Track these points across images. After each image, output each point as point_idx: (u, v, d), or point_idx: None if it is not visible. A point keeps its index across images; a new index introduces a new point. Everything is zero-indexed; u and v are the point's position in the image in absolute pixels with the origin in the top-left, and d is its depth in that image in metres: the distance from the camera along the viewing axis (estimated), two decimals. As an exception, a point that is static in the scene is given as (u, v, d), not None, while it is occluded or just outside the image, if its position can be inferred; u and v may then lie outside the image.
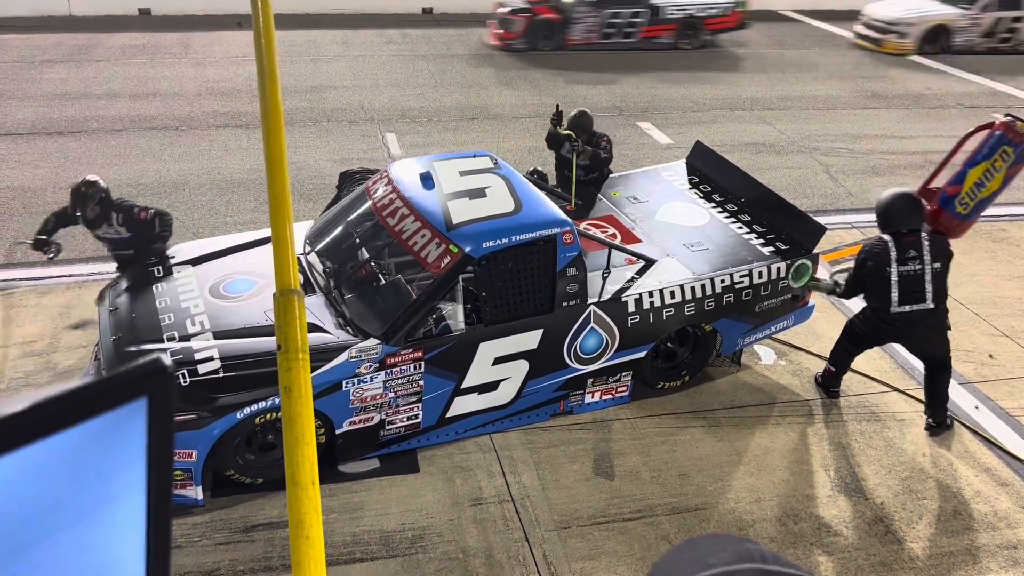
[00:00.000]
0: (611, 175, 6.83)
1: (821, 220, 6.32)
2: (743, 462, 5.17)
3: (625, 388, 5.56)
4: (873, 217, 8.47)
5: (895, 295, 5.16)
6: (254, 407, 4.47)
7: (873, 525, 4.74)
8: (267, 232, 5.61)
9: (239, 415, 4.46)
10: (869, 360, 6.18)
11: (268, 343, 4.58)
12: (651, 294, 5.35)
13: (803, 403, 5.73)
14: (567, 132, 6.60)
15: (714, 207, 6.35)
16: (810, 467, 5.16)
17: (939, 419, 5.47)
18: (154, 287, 5.15)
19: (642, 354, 5.46)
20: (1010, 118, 5.41)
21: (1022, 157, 5.32)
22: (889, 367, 6.12)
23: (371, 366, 4.70)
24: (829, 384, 5.77)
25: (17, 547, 0.56)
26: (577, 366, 5.30)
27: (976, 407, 5.74)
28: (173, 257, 5.50)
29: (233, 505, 4.66)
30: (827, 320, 6.62)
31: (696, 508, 4.80)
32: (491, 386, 5.11)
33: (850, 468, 5.16)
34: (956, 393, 5.87)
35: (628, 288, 5.36)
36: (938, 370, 5.37)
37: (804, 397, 5.79)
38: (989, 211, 8.73)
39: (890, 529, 4.72)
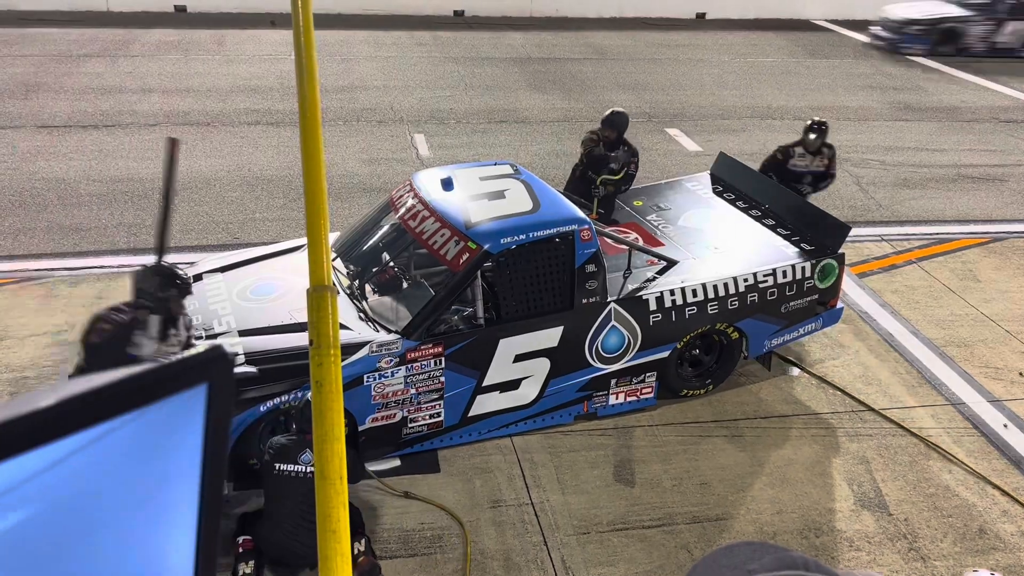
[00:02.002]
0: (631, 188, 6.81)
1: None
2: (765, 473, 5.14)
3: (650, 390, 5.54)
4: (903, 230, 8.45)
5: None
6: (276, 400, 4.53)
7: (896, 541, 4.69)
8: (291, 243, 5.78)
9: (262, 408, 4.52)
10: (895, 375, 6.11)
11: (291, 339, 4.68)
12: (672, 292, 5.36)
13: (827, 415, 5.67)
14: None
15: (738, 212, 6.34)
16: (833, 480, 5.11)
17: None
18: None
19: (665, 354, 5.44)
20: None
21: None
22: (916, 382, 6.04)
23: (392, 361, 4.75)
24: None
25: (74, 525, 0.58)
26: (599, 365, 5.29)
27: (1005, 425, 5.66)
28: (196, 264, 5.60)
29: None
30: (853, 333, 6.57)
31: (717, 518, 4.77)
32: (513, 384, 5.12)
33: (874, 483, 5.10)
34: (984, 410, 5.79)
35: (649, 286, 5.37)
36: None
37: (828, 410, 5.73)
38: (1022, 228, 8.66)
39: (914, 546, 4.66)
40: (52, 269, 6.97)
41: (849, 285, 6.86)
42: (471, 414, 5.10)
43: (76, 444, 0.55)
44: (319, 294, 2.03)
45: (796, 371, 6.09)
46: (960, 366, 6.23)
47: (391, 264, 5.34)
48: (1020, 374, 6.23)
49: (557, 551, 4.50)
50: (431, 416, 5.00)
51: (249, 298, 5.17)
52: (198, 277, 5.37)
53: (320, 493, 1.95)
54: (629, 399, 5.51)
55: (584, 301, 5.11)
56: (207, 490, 0.64)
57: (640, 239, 5.90)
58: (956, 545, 4.68)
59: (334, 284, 5.05)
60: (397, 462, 5.04)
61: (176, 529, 0.65)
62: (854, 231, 6.47)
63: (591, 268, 5.09)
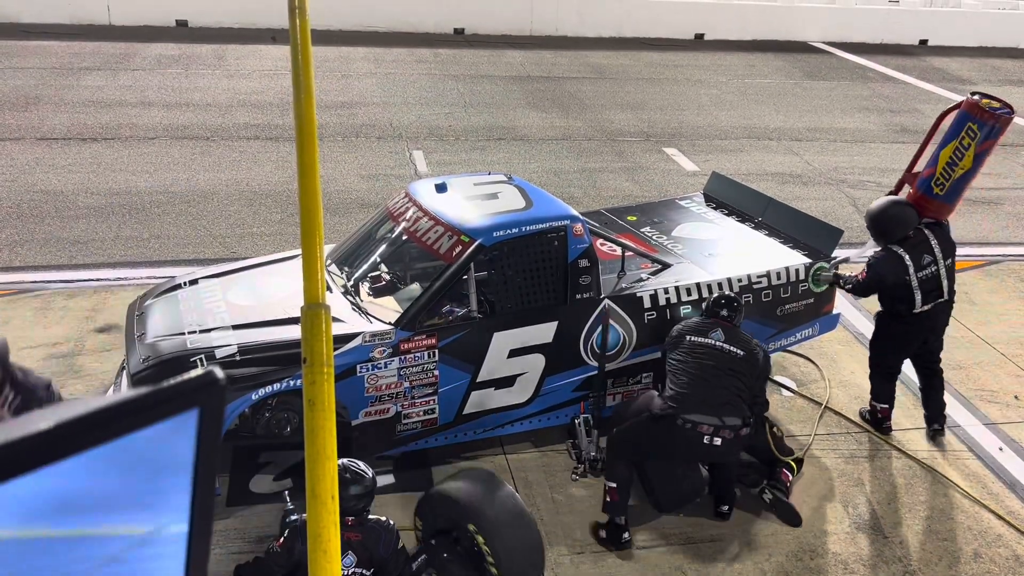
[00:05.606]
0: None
1: (845, 253, 6.30)
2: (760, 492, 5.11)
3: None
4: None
5: (918, 297, 5.29)
6: (270, 388, 4.54)
7: (891, 564, 4.67)
8: (289, 252, 5.80)
9: (254, 396, 4.52)
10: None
11: (285, 332, 4.68)
12: (667, 291, 5.40)
13: (822, 436, 5.67)
14: None
15: (731, 222, 6.43)
16: (828, 502, 5.10)
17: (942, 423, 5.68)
18: (179, 294, 5.25)
19: (661, 354, 5.45)
20: (976, 96, 5.47)
21: (989, 134, 5.40)
22: (912, 404, 6.04)
23: (385, 351, 4.75)
24: (881, 422, 5.71)
25: (64, 548, 0.58)
26: (595, 364, 5.29)
27: (1000, 449, 5.65)
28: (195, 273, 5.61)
29: (248, 516, 4.68)
30: (849, 354, 6.57)
31: (711, 539, 4.75)
32: (508, 381, 5.11)
33: (869, 505, 5.09)
34: (980, 433, 5.79)
35: (643, 284, 5.43)
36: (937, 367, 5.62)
37: (823, 430, 5.73)
38: (1017, 251, 8.69)
39: (908, 569, 4.65)
40: (48, 281, 6.97)
41: (846, 307, 6.87)
42: (466, 411, 5.08)
43: (69, 466, 0.55)
44: (312, 312, 2.03)
45: (786, 392, 6.09)
46: (956, 388, 6.23)
47: (385, 259, 5.42)
48: (1015, 397, 6.24)
49: (551, 570, 4.47)
50: (425, 412, 4.98)
51: (243, 297, 5.19)
52: (194, 282, 5.38)
53: (311, 513, 1.94)
54: (626, 401, 5.49)
55: (578, 296, 5.14)
56: (197, 513, 0.64)
57: (634, 246, 5.94)
58: (951, 569, 4.67)
59: (329, 287, 5.13)
60: (391, 479, 5.02)
61: (165, 552, 0.65)
62: (850, 252, 6.49)
63: (584, 263, 5.13)
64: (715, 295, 5.13)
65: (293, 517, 3.97)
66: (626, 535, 4.62)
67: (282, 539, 3.85)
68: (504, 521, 3.98)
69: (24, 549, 0.55)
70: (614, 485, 4.64)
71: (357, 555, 3.77)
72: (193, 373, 0.60)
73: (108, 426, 0.56)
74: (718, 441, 4.50)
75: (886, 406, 5.71)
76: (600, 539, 4.67)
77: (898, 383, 6.28)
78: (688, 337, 4.80)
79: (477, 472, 4.42)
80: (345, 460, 3.81)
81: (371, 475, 3.87)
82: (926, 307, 5.35)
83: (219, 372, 0.63)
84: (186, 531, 0.65)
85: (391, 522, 3.94)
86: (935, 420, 5.68)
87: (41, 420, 0.55)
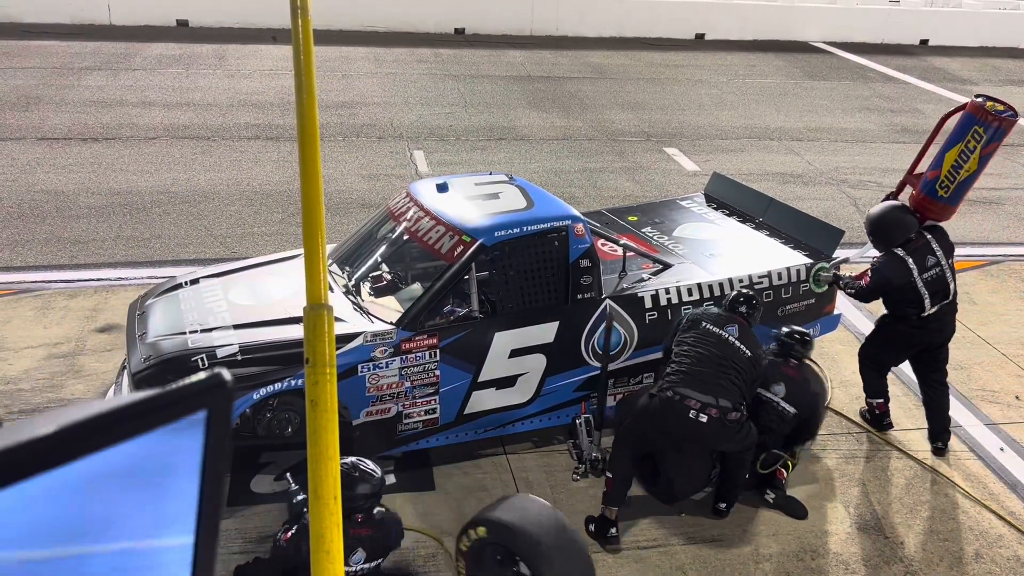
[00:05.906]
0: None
1: (846, 253, 6.30)
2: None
3: None
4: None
5: (927, 300, 5.30)
6: (271, 388, 4.53)
7: (892, 564, 4.67)
8: (290, 252, 5.79)
9: (255, 395, 4.52)
10: (892, 397, 6.10)
11: (286, 331, 4.68)
12: (668, 291, 5.41)
13: (824, 437, 5.66)
14: None
15: (733, 223, 6.43)
16: (829, 502, 5.10)
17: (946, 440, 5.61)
18: (180, 294, 5.25)
19: (662, 354, 5.45)
20: (980, 99, 5.45)
21: (993, 136, 5.39)
22: (914, 404, 6.04)
23: (387, 351, 4.75)
24: (881, 418, 5.75)
25: (70, 555, 0.57)
26: (596, 364, 5.29)
27: (1001, 449, 5.65)
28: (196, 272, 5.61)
29: (248, 516, 4.67)
30: (850, 355, 6.56)
31: (712, 539, 4.75)
32: (509, 381, 5.11)
33: (870, 505, 5.09)
34: (981, 434, 5.79)
35: (644, 284, 5.44)
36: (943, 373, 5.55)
37: (824, 431, 5.72)
38: (1018, 251, 8.69)
39: (910, 569, 4.65)
40: (49, 281, 6.97)
41: (846, 307, 6.87)
42: (467, 411, 5.09)
43: (74, 471, 0.55)
44: (315, 313, 2.03)
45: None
46: (957, 389, 6.22)
47: (387, 259, 5.42)
48: (1016, 397, 6.23)
49: (552, 571, 4.46)
50: (427, 412, 4.99)
51: (245, 296, 5.19)
52: (195, 281, 5.38)
53: (314, 513, 1.94)
54: None
55: (579, 296, 5.14)
56: (204, 522, 0.63)
57: (634, 246, 5.94)
58: (952, 569, 4.66)
59: (331, 286, 5.12)
60: (392, 479, 5.02)
61: (173, 553, 0.64)
62: (851, 253, 6.50)
63: (585, 263, 5.13)
64: (735, 292, 5.22)
65: (300, 497, 4.00)
66: (613, 531, 4.63)
67: (289, 534, 3.86)
68: (560, 558, 3.90)
69: (31, 550, 0.55)
70: (611, 475, 4.70)
71: (367, 550, 3.82)
72: (201, 375, 0.60)
73: (112, 430, 0.56)
74: (703, 418, 4.53)
75: (881, 400, 5.73)
76: (588, 532, 4.68)
77: (899, 383, 6.28)
78: (704, 324, 4.87)
79: (539, 505, 4.10)
80: (354, 459, 3.83)
81: (380, 474, 3.90)
82: (934, 309, 5.33)
83: (227, 373, 0.62)
84: (192, 542, 0.64)
85: (394, 512, 4.00)
86: (939, 438, 5.59)
87: (44, 424, 0.54)
